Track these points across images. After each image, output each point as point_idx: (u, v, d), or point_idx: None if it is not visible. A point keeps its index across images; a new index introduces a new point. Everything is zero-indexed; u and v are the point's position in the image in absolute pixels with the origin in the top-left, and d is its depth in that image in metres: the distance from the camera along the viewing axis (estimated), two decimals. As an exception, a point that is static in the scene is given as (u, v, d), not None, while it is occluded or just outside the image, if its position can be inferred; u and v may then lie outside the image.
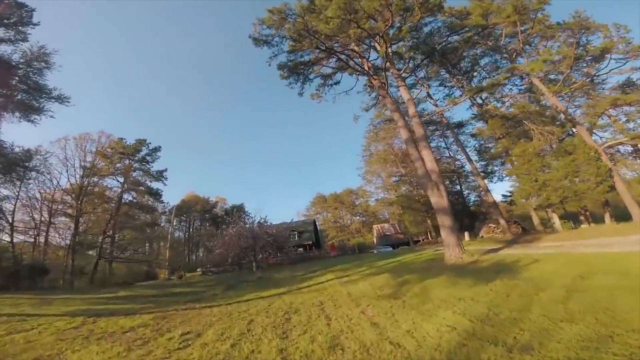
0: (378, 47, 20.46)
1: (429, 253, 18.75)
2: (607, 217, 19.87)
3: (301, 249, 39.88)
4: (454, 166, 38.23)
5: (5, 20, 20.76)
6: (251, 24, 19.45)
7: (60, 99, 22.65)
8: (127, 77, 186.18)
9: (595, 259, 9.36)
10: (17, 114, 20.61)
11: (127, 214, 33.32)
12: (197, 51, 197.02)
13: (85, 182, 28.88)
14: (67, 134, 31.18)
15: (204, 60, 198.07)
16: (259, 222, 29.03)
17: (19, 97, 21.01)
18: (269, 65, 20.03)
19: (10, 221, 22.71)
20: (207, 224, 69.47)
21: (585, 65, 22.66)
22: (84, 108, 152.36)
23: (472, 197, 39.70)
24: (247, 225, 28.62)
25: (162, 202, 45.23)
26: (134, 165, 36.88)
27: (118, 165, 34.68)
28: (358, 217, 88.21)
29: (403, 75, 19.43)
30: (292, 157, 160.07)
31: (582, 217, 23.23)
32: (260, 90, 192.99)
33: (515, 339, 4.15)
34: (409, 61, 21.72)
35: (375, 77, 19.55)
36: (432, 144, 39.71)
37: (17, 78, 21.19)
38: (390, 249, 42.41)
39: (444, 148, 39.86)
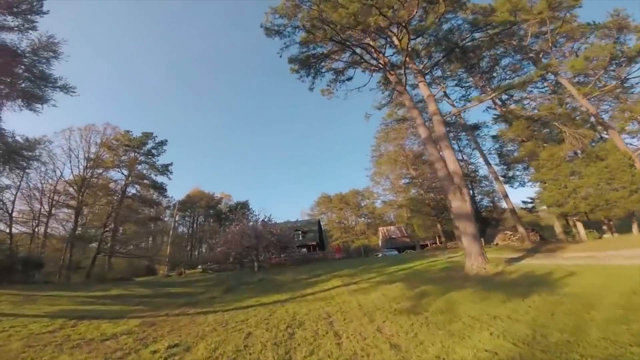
0: (396, 42, 19.47)
1: (443, 260, 17.62)
2: (635, 227, 18.44)
3: (304, 250, 38.95)
4: (467, 170, 36.80)
5: (15, 9, 20.37)
6: (263, 12, 18.71)
7: (66, 89, 22.18)
8: (135, 70, 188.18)
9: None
10: (19, 102, 20.15)
11: (130, 207, 32.82)
12: (205, 46, 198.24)
13: (89, 174, 28.40)
14: (72, 125, 30.52)
15: (211, 55, 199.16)
16: (263, 220, 28.29)
17: (22, 86, 20.58)
18: (280, 56, 19.18)
19: (10, 211, 22.23)
20: (211, 220, 69.06)
21: (613, 68, 21.28)
22: (92, 100, 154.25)
23: (485, 203, 38.21)
24: (251, 224, 27.88)
25: (166, 196, 44.94)
26: (140, 159, 36.45)
27: (123, 157, 34.30)
28: (363, 219, 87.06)
29: (422, 71, 18.35)
30: (298, 154, 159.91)
31: (604, 227, 22.11)
32: (268, 86, 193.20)
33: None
34: (429, 57, 20.64)
35: (391, 72, 18.54)
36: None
37: (22, 67, 20.78)
38: (396, 252, 41.44)
39: (457, 151, 38.39)
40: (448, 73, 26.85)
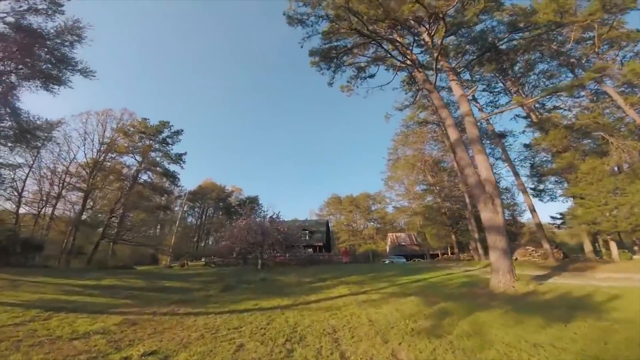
0: (426, 39, 18.27)
1: (459, 273, 16.31)
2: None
3: (310, 250, 37.99)
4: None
5: (44, -9, 20.41)
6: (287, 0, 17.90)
7: (85, 72, 22.21)
8: (157, 59, 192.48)
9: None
10: (37, 83, 20.15)
11: (140, 194, 32.71)
12: (230, 38, 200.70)
13: (102, 157, 28.38)
14: (90, 109, 30.82)
15: (233, 47, 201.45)
16: (270, 217, 27.51)
17: (43, 67, 20.59)
18: (301, 46, 18.33)
19: (20, 190, 22.21)
20: (220, 213, 69.05)
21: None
22: (111, 85, 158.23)
23: (506, 217, 36.07)
24: (258, 220, 27.15)
25: (178, 185, 45.03)
26: (154, 146, 36.52)
27: (138, 144, 34.34)
28: (372, 223, 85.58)
29: (455, 69, 17.09)
30: (311, 152, 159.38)
31: (635, 247, 20.68)
32: (286, 82, 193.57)
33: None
34: (461, 56, 19.37)
35: (420, 69, 17.38)
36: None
37: (45, 49, 20.81)
38: (404, 260, 40.23)
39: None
40: (477, 76, 25.39)
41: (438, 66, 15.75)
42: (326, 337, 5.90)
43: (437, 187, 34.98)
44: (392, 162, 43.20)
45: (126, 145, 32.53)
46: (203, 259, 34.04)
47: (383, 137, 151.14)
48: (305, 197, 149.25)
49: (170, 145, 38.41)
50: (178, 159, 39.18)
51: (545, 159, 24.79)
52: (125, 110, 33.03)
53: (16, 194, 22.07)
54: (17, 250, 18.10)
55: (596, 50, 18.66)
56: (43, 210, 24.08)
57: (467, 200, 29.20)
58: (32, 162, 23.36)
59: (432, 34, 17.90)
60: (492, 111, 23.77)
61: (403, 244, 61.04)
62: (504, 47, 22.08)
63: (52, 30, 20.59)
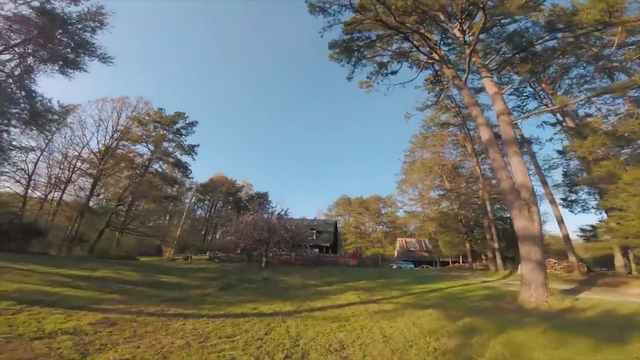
0: (457, 34, 17.10)
1: (477, 284, 15.13)
2: None
3: (317, 250, 37.05)
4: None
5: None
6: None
7: (104, 58, 22.05)
8: (174, 50, 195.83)
9: None
10: (55, 66, 20.05)
11: (150, 183, 32.57)
12: (250, 29, 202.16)
13: (114, 144, 28.26)
14: (106, 96, 30.89)
15: (252, 41, 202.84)
16: (278, 214, 26.69)
17: (62, 52, 20.49)
18: (321, 36, 17.45)
19: (30, 173, 22.12)
20: (229, 207, 68.95)
21: None
22: (128, 73, 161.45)
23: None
24: (265, 216, 26.41)
25: (189, 177, 45.04)
26: (168, 136, 36.48)
27: (152, 133, 34.28)
28: (381, 227, 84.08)
29: (488, 66, 15.86)
30: (323, 151, 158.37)
31: None
32: (298, 80, 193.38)
33: None
34: (498, 52, 18.17)
35: (449, 65, 16.24)
36: (487, 162, 34.93)
37: (66, 34, 20.73)
38: (411, 266, 39.00)
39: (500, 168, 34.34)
40: (504, 79, 23.90)
41: (470, 63, 14.53)
42: (333, 355, 4.98)
43: (455, 193, 33.36)
44: (408, 165, 41.77)
45: (140, 133, 32.43)
46: (208, 253, 33.68)
47: (398, 141, 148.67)
48: (314, 196, 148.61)
49: (183, 136, 38.43)
50: (191, 150, 39.06)
51: (579, 167, 23.02)
52: (140, 99, 33.02)
53: (26, 176, 22.00)
54: (18, 235, 17.80)
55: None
56: (51, 194, 24.02)
57: (488, 207, 27.63)
58: (44, 146, 23.36)
59: (465, 28, 16.72)
60: (518, 115, 22.22)
61: (412, 249, 59.44)
62: (538, 48, 20.88)
63: (74, 15, 20.50)
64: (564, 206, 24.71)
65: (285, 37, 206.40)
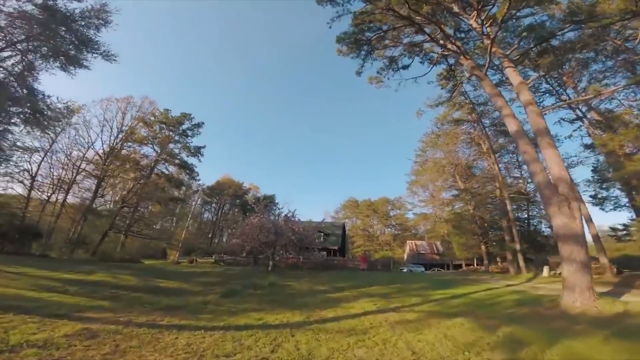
0: (474, 24, 16.14)
1: (502, 289, 14.07)
2: None
3: (324, 253, 36.07)
4: (525, 189, 31.51)
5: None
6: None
7: (107, 56, 21.72)
8: (182, 50, 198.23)
9: None
10: (57, 64, 19.73)
11: (155, 185, 32.16)
12: (256, 28, 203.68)
13: (119, 145, 27.91)
14: (111, 95, 30.65)
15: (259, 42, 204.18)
16: (285, 215, 25.85)
17: (63, 48, 20.21)
18: (330, 27, 16.63)
19: (34, 174, 21.79)
20: (236, 210, 68.52)
21: None
22: (131, 73, 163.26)
23: (544, 227, 32.67)
24: (272, 218, 25.58)
25: (196, 179, 44.68)
26: (174, 138, 36.13)
27: (158, 135, 33.95)
28: (390, 229, 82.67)
29: (510, 57, 14.85)
30: (330, 153, 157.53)
31: None
32: (305, 78, 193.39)
33: None
34: (519, 42, 17.19)
35: (466, 56, 15.29)
36: (504, 160, 33.53)
37: (69, 31, 20.47)
38: (422, 269, 37.87)
39: (517, 167, 33.00)
40: (521, 75, 22.86)
41: (491, 53, 13.54)
42: (354, 382, 4.05)
43: (470, 193, 32.00)
44: (419, 165, 40.49)
45: (145, 134, 32.10)
46: (214, 256, 33.07)
47: (406, 142, 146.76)
48: (321, 199, 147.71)
49: (190, 138, 38.05)
50: (197, 151, 38.65)
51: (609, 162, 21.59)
52: (145, 98, 32.68)
53: (29, 177, 21.68)
54: (16, 237, 17.32)
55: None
56: (55, 196, 23.65)
57: (509, 207, 26.23)
58: (48, 147, 23.08)
59: (483, 18, 15.73)
60: (587, 95, 21.08)
61: (422, 252, 58.02)
62: (556, 42, 19.91)
63: (78, 12, 20.24)
64: (593, 204, 23.42)
65: (292, 37, 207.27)
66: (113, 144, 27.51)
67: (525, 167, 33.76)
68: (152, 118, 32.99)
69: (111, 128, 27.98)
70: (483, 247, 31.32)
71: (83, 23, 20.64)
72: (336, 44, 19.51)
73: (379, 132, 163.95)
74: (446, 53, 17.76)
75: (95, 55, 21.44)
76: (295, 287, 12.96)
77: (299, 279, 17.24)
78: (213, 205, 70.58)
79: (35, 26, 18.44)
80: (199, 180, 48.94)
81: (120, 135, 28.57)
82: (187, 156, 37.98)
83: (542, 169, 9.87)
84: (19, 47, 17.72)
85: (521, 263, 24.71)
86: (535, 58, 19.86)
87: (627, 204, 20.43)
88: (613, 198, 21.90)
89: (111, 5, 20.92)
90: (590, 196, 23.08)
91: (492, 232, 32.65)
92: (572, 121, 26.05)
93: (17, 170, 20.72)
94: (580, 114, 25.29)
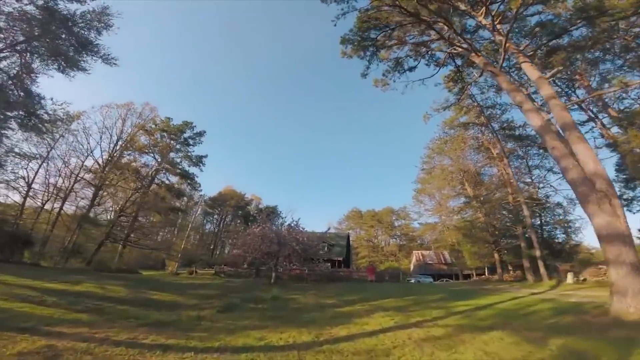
0: (483, 21, 15.66)
1: (528, 297, 13.03)
2: None
3: (329, 264, 34.78)
4: (536, 194, 30.33)
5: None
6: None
7: (107, 59, 21.35)
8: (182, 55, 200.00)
9: None
10: (55, 65, 19.41)
11: (155, 194, 31.37)
12: (262, 36, 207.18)
13: (117, 153, 27.31)
14: (111, 102, 30.17)
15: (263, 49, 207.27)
16: (289, 225, 24.77)
17: (62, 49, 19.95)
18: (335, 25, 16.11)
19: (30, 182, 21.09)
20: (238, 221, 67.49)
21: None
22: (133, 79, 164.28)
23: (558, 234, 31.30)
24: (275, 227, 24.53)
25: (197, 189, 43.93)
26: (175, 147, 35.61)
27: (159, 143, 33.42)
28: (395, 240, 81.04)
29: (524, 52, 14.24)
30: (333, 164, 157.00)
31: None
32: (312, 82, 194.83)
33: None
34: (532, 38, 16.71)
35: (478, 53, 14.69)
36: (515, 164, 32.42)
37: (70, 34, 20.27)
38: (431, 279, 36.70)
39: (527, 172, 31.82)
40: (554, 64, 22.33)
41: (506, 48, 12.92)
42: None
43: (481, 199, 30.85)
44: (425, 172, 39.52)
45: (145, 143, 31.55)
46: (215, 267, 31.88)
47: (409, 153, 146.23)
48: (324, 210, 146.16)
49: (191, 147, 37.50)
50: (198, 161, 38.01)
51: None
52: (146, 105, 32.17)
53: (25, 184, 21.00)
54: (4, 244, 16.46)
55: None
56: (52, 204, 22.85)
57: (526, 212, 25.05)
58: (46, 154, 22.48)
59: (494, 14, 15.22)
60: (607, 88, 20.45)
61: (430, 262, 56.42)
62: (565, 41, 19.49)
63: (79, 15, 20.05)
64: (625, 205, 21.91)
65: (294, 40, 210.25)
66: (112, 151, 26.92)
67: (536, 172, 32.82)
68: (153, 126, 32.54)
69: (111, 135, 27.48)
70: (496, 255, 29.95)
71: (83, 25, 20.43)
72: (340, 46, 19.08)
73: (382, 140, 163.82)
74: (455, 51, 17.19)
75: (95, 58, 21.16)
76: (300, 301, 11.86)
77: (304, 291, 16.10)
78: (215, 216, 69.74)
79: (35, 27, 18.19)
80: (200, 190, 48.27)
81: (119, 143, 28.03)
82: (189, 166, 37.34)
83: (576, 164, 8.95)
84: (18, 48, 17.39)
85: (542, 270, 23.66)
86: (544, 57, 19.38)
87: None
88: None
89: (112, 8, 20.79)
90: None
91: (504, 240, 31.37)
92: (583, 123, 25.28)
93: (14, 178, 20.15)
94: (592, 115, 24.56)
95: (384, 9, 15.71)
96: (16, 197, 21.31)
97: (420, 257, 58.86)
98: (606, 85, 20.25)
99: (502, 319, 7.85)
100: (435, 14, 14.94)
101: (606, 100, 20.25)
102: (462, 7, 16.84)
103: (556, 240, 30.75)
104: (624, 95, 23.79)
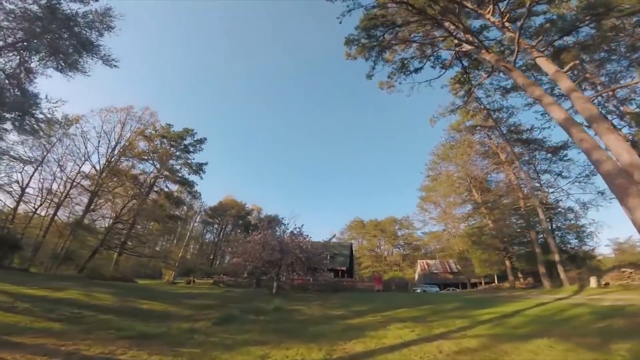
0: (492, 19, 15.26)
1: (555, 302, 12.07)
2: None
3: (332, 274, 33.56)
4: (546, 199, 29.38)
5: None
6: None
7: (107, 60, 20.97)
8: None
9: None
10: (54, 65, 19.02)
11: (154, 202, 30.48)
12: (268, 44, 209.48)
13: (116, 158, 26.57)
14: (110, 105, 29.29)
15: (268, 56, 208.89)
16: (291, 232, 23.66)
17: (62, 49, 19.61)
18: (340, 22, 15.69)
19: (24, 186, 20.31)
20: (239, 231, 66.35)
21: None
22: (130, 83, 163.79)
23: (571, 239, 30.21)
24: (277, 234, 23.47)
25: (197, 197, 43.08)
26: (175, 153, 34.97)
27: (159, 150, 32.76)
28: (398, 249, 79.49)
29: (537, 47, 13.70)
30: (335, 173, 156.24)
31: None
32: (314, 90, 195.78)
33: None
34: (544, 34, 16.35)
35: (488, 50, 14.20)
36: (526, 167, 31.49)
37: (71, 34, 19.99)
38: (437, 289, 35.31)
39: (535, 177, 30.86)
40: (567, 60, 22.17)
41: (519, 43, 12.38)
42: None
43: (490, 205, 29.87)
44: (430, 179, 38.65)
45: (145, 149, 30.85)
46: (214, 276, 30.68)
47: (413, 160, 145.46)
48: (324, 220, 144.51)
49: (191, 154, 36.84)
50: (199, 168, 37.26)
51: None
52: (146, 109, 31.40)
53: (18, 188, 20.21)
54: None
55: None
56: (46, 210, 22.00)
57: (542, 215, 24.06)
58: (42, 158, 21.76)
59: (503, 10, 14.79)
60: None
61: (435, 271, 54.91)
62: (573, 40, 19.22)
63: (81, 15, 19.81)
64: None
65: (296, 42, 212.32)
66: (110, 157, 26.21)
67: (544, 177, 31.92)
68: (153, 131, 31.93)
69: (109, 140, 26.79)
70: (507, 262, 28.80)
71: (85, 25, 20.14)
72: (344, 47, 18.69)
73: (384, 147, 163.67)
74: (463, 50, 16.65)
75: (95, 59, 20.82)
76: (305, 312, 10.83)
77: (308, 302, 15.06)
78: (215, 226, 68.68)
79: (36, 26, 17.85)
80: (200, 199, 47.37)
81: (118, 147, 27.30)
82: (189, 173, 36.64)
83: (608, 156, 8.16)
84: (17, 47, 16.99)
85: (562, 275, 22.69)
86: (551, 57, 19.05)
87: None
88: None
89: (115, 10, 20.56)
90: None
91: (514, 247, 30.25)
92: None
93: (8, 182, 19.40)
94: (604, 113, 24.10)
95: (390, 6, 15.28)
96: (9, 202, 20.55)
97: (425, 267, 57.42)
98: (622, 81, 19.72)
99: (539, 325, 6.96)
100: (443, 8, 14.45)
101: (619, 96, 19.69)
102: (469, 5, 16.48)
103: (569, 246, 29.71)
104: (632, 95, 23.48)
